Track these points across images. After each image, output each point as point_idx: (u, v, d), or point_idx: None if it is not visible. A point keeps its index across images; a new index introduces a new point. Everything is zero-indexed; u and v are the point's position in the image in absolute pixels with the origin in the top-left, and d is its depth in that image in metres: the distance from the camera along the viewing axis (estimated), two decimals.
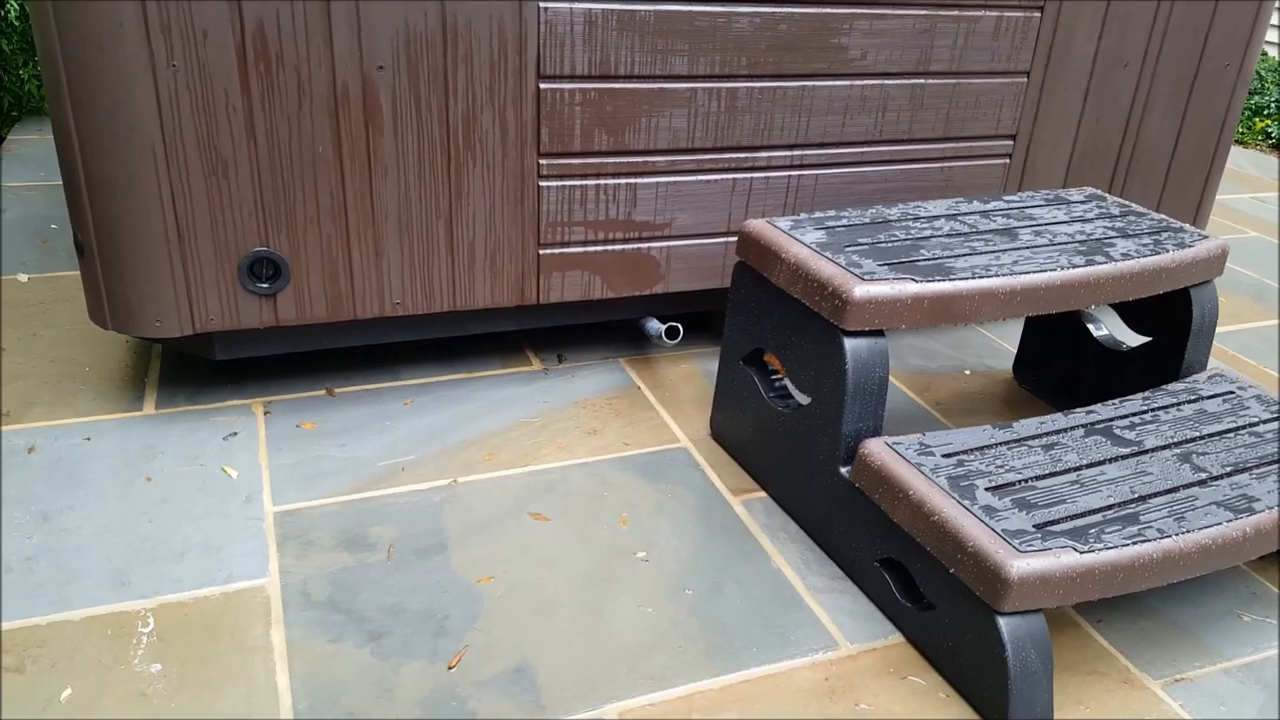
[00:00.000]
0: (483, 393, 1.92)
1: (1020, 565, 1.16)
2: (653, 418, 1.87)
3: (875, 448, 1.37)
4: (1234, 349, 2.32)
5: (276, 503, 1.56)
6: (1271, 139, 4.57)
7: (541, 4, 1.63)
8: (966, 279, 1.43)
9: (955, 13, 1.90)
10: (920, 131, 2.00)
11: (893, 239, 1.58)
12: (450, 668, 1.25)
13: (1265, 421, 1.51)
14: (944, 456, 1.36)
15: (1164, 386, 1.60)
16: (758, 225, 1.61)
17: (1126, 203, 1.83)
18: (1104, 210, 1.78)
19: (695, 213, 1.91)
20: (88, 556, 1.42)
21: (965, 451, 1.38)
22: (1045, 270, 1.47)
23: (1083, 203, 1.82)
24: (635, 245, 1.90)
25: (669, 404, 1.91)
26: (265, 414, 1.80)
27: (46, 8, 1.44)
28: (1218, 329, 2.43)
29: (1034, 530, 1.21)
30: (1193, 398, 1.56)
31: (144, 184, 1.56)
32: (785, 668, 1.29)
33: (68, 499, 1.54)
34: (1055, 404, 1.97)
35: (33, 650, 1.25)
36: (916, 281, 1.40)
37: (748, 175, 1.91)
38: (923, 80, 1.94)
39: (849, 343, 1.40)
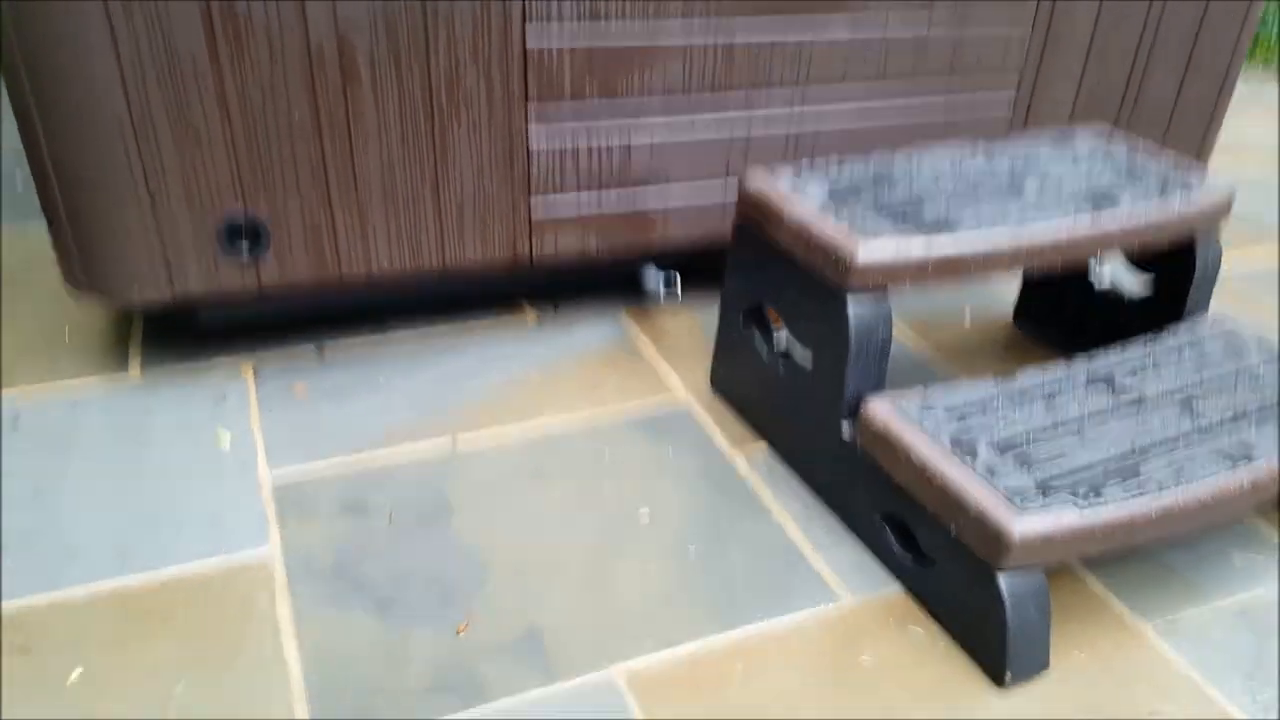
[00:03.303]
0: (477, 347, 1.93)
1: (1022, 525, 1.19)
2: (651, 371, 1.88)
3: (878, 408, 1.40)
4: (1234, 289, 2.34)
5: (274, 469, 1.58)
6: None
7: None
8: (972, 234, 1.43)
9: None
10: (922, 82, 1.97)
11: (896, 191, 1.57)
12: (459, 633, 1.29)
13: (1265, 364, 1.54)
14: (946, 411, 1.39)
15: (1166, 330, 1.62)
16: (759, 179, 1.60)
17: (1135, 142, 1.83)
18: (1112, 151, 1.77)
19: (691, 165, 1.89)
20: (87, 531, 1.44)
21: (967, 407, 1.40)
22: (1051, 222, 1.48)
23: (1090, 141, 1.81)
24: (631, 200, 1.88)
25: (668, 356, 1.93)
26: (255, 375, 1.81)
27: None
28: None
29: (1035, 488, 1.24)
30: (1193, 341, 1.59)
31: (112, 157, 1.53)
32: (789, 621, 1.33)
33: (61, 471, 1.56)
34: (1057, 348, 1.99)
35: (39, 630, 1.28)
36: (922, 239, 1.41)
37: (746, 126, 1.88)
38: (925, 30, 1.91)
39: (852, 303, 1.41)
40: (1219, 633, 1.36)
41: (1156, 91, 2.24)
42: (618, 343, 1.98)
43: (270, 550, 1.42)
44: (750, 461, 1.65)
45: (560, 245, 1.89)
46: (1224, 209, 1.68)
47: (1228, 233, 2.56)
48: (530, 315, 2.05)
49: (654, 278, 1.97)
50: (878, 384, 1.47)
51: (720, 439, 1.70)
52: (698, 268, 2.17)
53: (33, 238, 2.22)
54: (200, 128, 1.55)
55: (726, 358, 1.77)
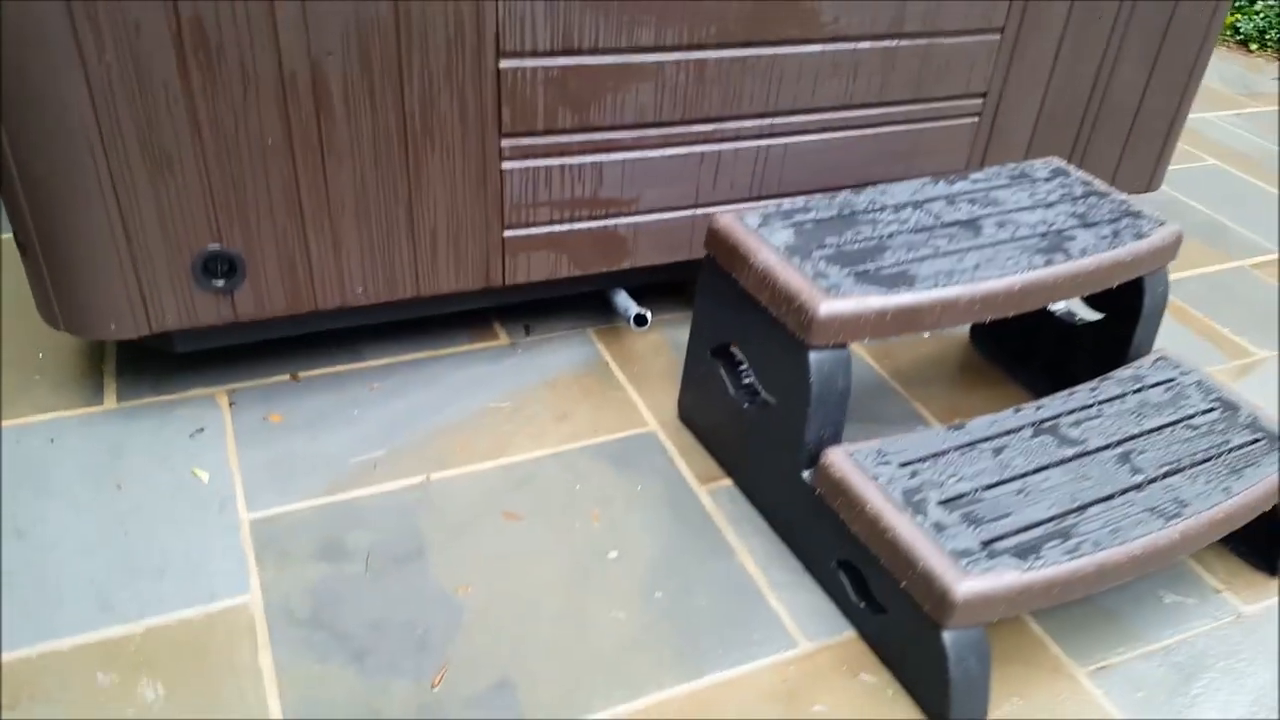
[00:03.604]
0: (450, 373, 1.96)
1: (965, 587, 1.26)
2: (621, 398, 1.92)
3: (836, 458, 1.45)
4: (1182, 299, 2.41)
5: (251, 509, 1.61)
6: (1239, 34, 4.54)
7: None
8: (929, 290, 1.47)
9: None
10: (891, 94, 1.99)
11: (859, 238, 1.61)
12: (434, 686, 1.35)
13: (1203, 413, 1.61)
14: (900, 466, 1.45)
15: (1111, 374, 1.69)
16: (726, 222, 1.63)
17: (1089, 179, 1.87)
18: (1067, 191, 1.81)
19: (662, 187, 1.91)
20: (69, 577, 1.47)
21: (920, 460, 1.46)
22: (1005, 275, 1.52)
23: (1046, 180, 1.85)
24: (602, 222, 1.90)
25: (637, 381, 1.97)
26: (230, 405, 1.83)
27: None
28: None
29: (980, 548, 1.31)
30: (1136, 387, 1.66)
31: (84, 184, 1.52)
32: (748, 670, 1.41)
33: (41, 511, 1.58)
34: (1009, 371, 2.06)
35: (26, 684, 1.32)
36: (880, 295, 1.45)
37: (716, 147, 1.90)
38: (895, 42, 1.92)
39: (814, 356, 1.45)
40: (1147, 676, 1.45)
41: (1121, 94, 2.27)
42: (588, 366, 2.01)
43: (251, 598, 1.46)
44: (715, 497, 1.70)
45: (533, 268, 1.91)
46: (1171, 251, 1.74)
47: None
48: (503, 337, 2.07)
49: (625, 304, 1.99)
50: (836, 434, 1.53)
51: (687, 472, 1.75)
52: (667, 283, 2.20)
53: None
54: (174, 160, 1.55)
55: (694, 389, 1.82)
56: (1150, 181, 2.50)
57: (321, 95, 1.57)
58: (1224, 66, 4.12)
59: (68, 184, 1.51)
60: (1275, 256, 2.67)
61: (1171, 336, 2.24)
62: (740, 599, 1.52)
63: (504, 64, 1.64)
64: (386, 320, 1.98)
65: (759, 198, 2.00)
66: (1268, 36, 4.49)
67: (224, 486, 1.66)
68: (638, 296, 2.12)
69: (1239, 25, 4.54)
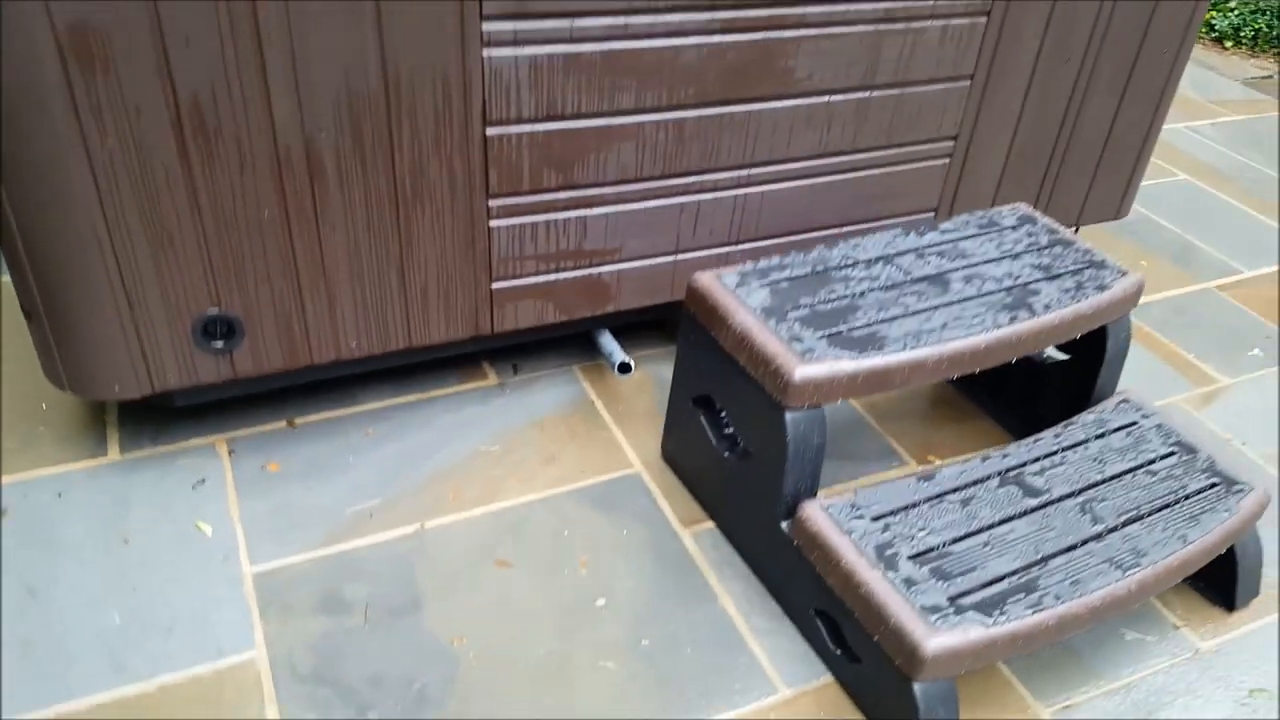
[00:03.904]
0: (441, 415, 2.01)
1: (934, 644, 1.33)
2: (607, 438, 1.98)
3: (812, 512, 1.52)
4: (1149, 324, 2.48)
5: (253, 562, 1.67)
6: (1214, 31, 4.57)
7: (485, 52, 1.62)
8: (898, 353, 1.53)
9: (901, 25, 1.91)
10: (865, 142, 2.04)
11: (832, 296, 1.67)
12: None
13: (1162, 457, 1.68)
14: (872, 520, 1.51)
15: (1075, 419, 1.75)
16: (705, 281, 1.68)
17: (1055, 227, 1.93)
18: (1033, 240, 1.87)
19: (644, 236, 1.96)
20: (82, 636, 1.53)
21: (891, 512, 1.53)
22: (971, 335, 1.59)
23: (1013, 229, 1.91)
24: (586, 271, 1.95)
25: (622, 421, 2.02)
26: (230, 453, 1.88)
27: None
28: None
29: (948, 604, 1.38)
30: (1099, 431, 1.72)
31: (87, 256, 1.56)
32: (731, 718, 1.47)
33: (51, 569, 1.63)
34: (981, 406, 2.12)
35: None
36: (852, 360, 1.51)
37: (695, 198, 1.95)
38: (868, 94, 1.97)
39: (790, 416, 1.51)
40: (1109, 715, 1.53)
41: (1089, 129, 2.33)
42: (575, 405, 2.06)
43: (257, 653, 1.52)
44: (698, 540, 1.77)
45: (520, 316, 1.96)
46: (1133, 299, 1.80)
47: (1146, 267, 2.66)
48: (491, 377, 2.13)
49: (610, 348, 2.05)
50: (813, 481, 1.59)
51: (670, 515, 1.81)
52: (650, 321, 2.25)
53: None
54: (174, 232, 1.59)
55: (676, 432, 1.88)
56: (1119, 209, 2.56)
57: (315, 168, 1.61)
58: (1195, 70, 4.17)
59: (71, 256, 1.55)
60: (1242, 278, 2.74)
61: (1138, 363, 2.31)
62: (723, 646, 1.58)
63: (491, 131, 1.69)
64: (379, 367, 2.03)
65: (738, 242, 2.06)
66: (1242, 34, 4.54)
67: (226, 539, 1.71)
68: (621, 334, 2.18)
69: (1214, 23, 4.57)
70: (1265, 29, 4.51)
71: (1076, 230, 2.67)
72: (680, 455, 1.88)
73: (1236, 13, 4.60)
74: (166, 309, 1.66)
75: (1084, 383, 1.90)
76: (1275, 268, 2.80)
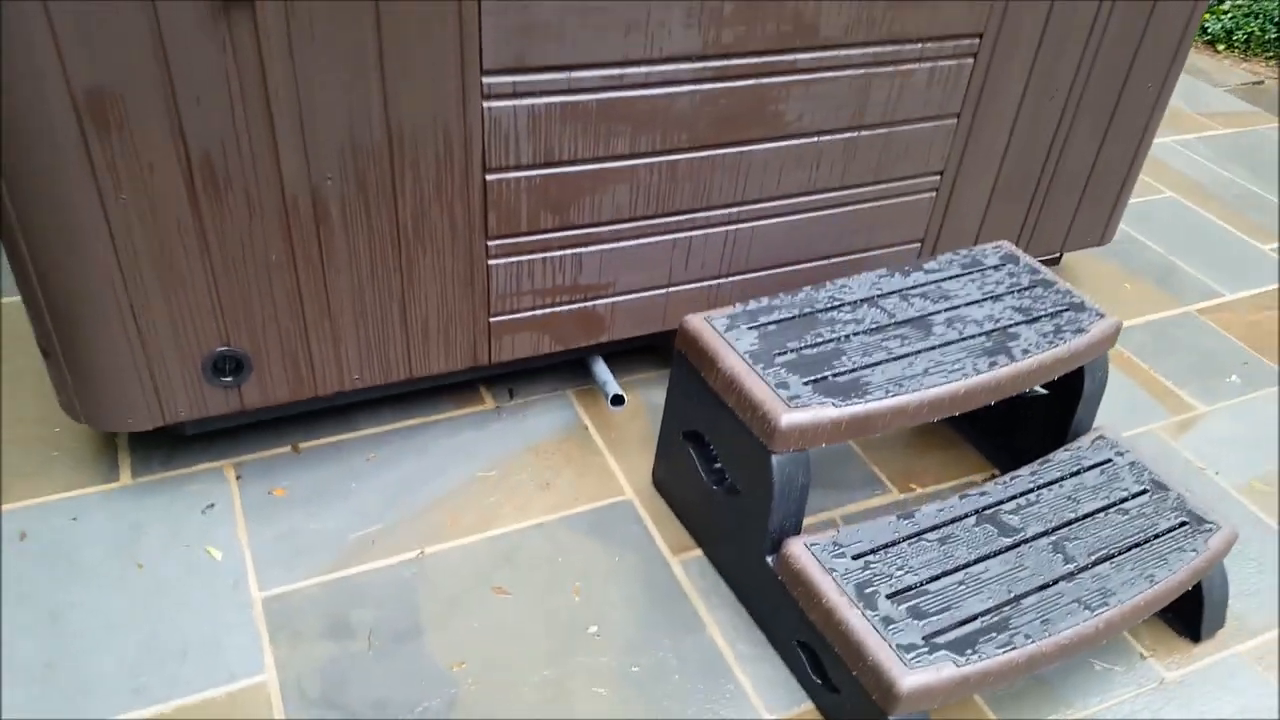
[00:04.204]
0: (439, 440, 2.06)
1: (909, 682, 1.39)
2: (600, 464, 2.04)
3: (796, 550, 1.58)
4: (1129, 348, 2.53)
5: (262, 587, 1.73)
6: (1207, 34, 4.58)
7: (486, 104, 1.66)
8: (880, 399, 1.59)
9: (889, 69, 1.95)
10: (853, 179, 2.09)
11: (818, 340, 1.72)
12: None
13: (1134, 495, 1.74)
14: (853, 559, 1.57)
15: (1051, 456, 1.81)
16: (695, 325, 1.73)
17: (1036, 267, 1.98)
18: (1015, 281, 1.92)
19: (637, 271, 2.01)
20: (100, 660, 1.59)
21: (872, 551, 1.59)
22: (951, 381, 1.64)
23: (995, 269, 1.96)
24: (581, 305, 2.00)
25: (614, 447, 2.08)
26: (237, 478, 1.93)
27: None
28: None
29: (923, 643, 1.44)
30: (1074, 469, 1.78)
31: (102, 299, 1.62)
32: None
33: (69, 594, 1.69)
34: (963, 435, 2.18)
35: None
36: (836, 407, 1.56)
37: (687, 234, 2.00)
38: (856, 133, 2.01)
39: (775, 459, 1.57)
40: None
41: (1074, 161, 2.37)
42: (569, 430, 2.12)
43: (267, 677, 1.59)
44: (686, 568, 1.83)
45: (517, 347, 2.01)
46: (1110, 340, 1.85)
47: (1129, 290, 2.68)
48: (488, 401, 2.18)
49: (603, 377, 2.10)
50: (798, 519, 1.65)
51: (660, 542, 1.87)
52: (642, 346, 2.30)
53: (7, 310, 2.27)
54: (185, 275, 1.64)
55: (666, 462, 1.93)
56: (1103, 236, 2.61)
57: (321, 214, 1.66)
58: (1186, 78, 4.19)
59: (87, 299, 1.60)
60: (1223, 301, 2.79)
61: (1117, 389, 2.37)
62: (710, 673, 1.65)
63: (490, 177, 1.73)
64: (379, 395, 2.08)
65: (728, 275, 2.11)
66: (1235, 37, 4.54)
67: (236, 564, 1.77)
68: (614, 359, 2.23)
69: (1206, 25, 4.57)
70: (1258, 32, 4.50)
71: (1061, 256, 2.72)
72: (670, 484, 1.94)
73: (1230, 15, 4.59)
74: (178, 347, 1.71)
75: (1063, 416, 1.96)
76: (1256, 291, 2.85)
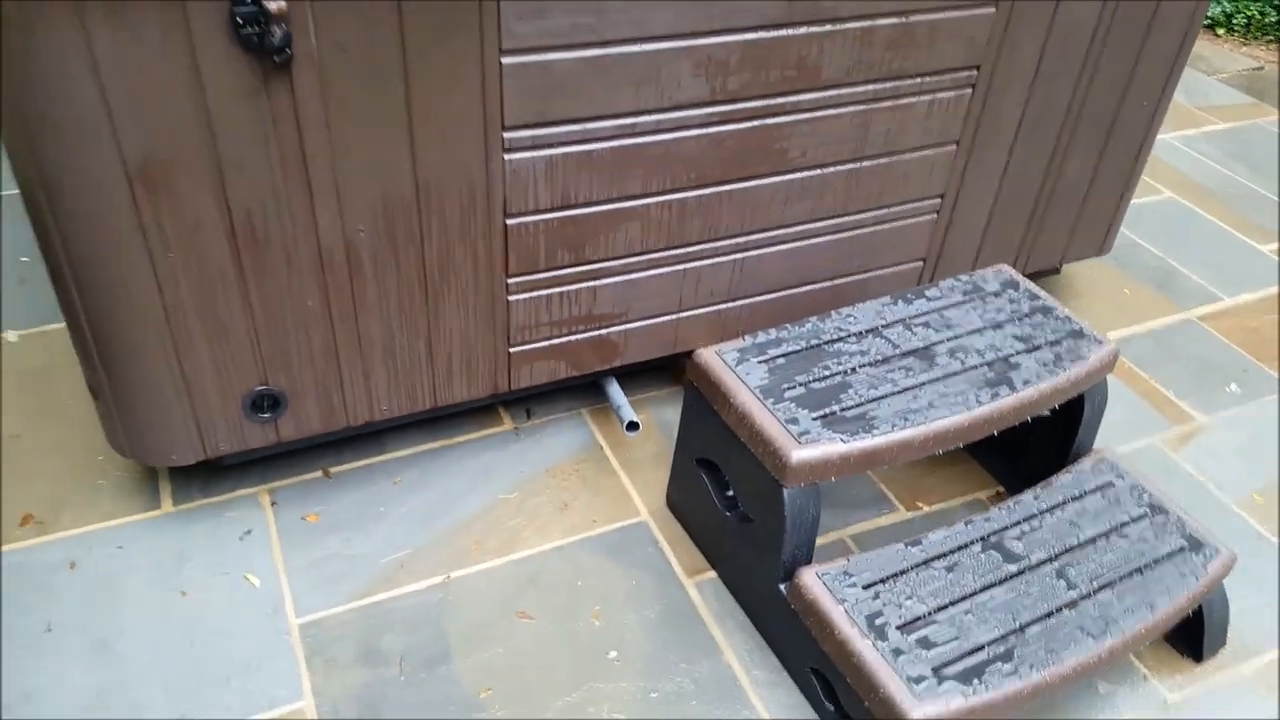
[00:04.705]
0: (462, 461, 2.08)
1: (918, 713, 1.41)
2: (616, 485, 2.05)
3: (808, 580, 1.59)
4: (1129, 357, 2.51)
5: (299, 613, 1.76)
6: (1207, 18, 4.45)
7: (507, 157, 1.67)
8: (887, 434, 1.59)
9: (890, 103, 1.93)
10: (855, 205, 2.08)
11: (826, 373, 1.72)
12: None
13: (1134, 520, 1.74)
14: (864, 588, 1.58)
15: (1053, 480, 1.81)
16: (707, 359, 1.74)
17: (1036, 293, 1.96)
18: (1015, 308, 1.92)
19: (649, 300, 2.01)
20: (149, 687, 1.63)
21: (881, 580, 1.60)
22: (955, 414, 1.64)
23: (996, 295, 1.95)
24: (596, 333, 2.01)
25: (629, 468, 2.09)
26: (272, 504, 1.96)
27: (40, 197, 1.48)
28: (1115, 333, 2.60)
29: (931, 674, 1.45)
30: (1076, 493, 1.78)
31: (149, 347, 1.65)
32: None
33: (117, 622, 1.73)
34: (970, 452, 2.17)
35: None
36: (844, 443, 1.57)
37: (696, 264, 1.99)
38: (858, 164, 2.00)
39: (787, 492, 1.58)
40: None
41: (1072, 179, 2.34)
42: (585, 450, 2.13)
43: (305, 703, 1.62)
44: (701, 590, 1.84)
45: (535, 374, 2.02)
46: (1109, 367, 1.84)
47: (1130, 298, 2.66)
48: (507, 421, 2.19)
49: (618, 401, 2.10)
50: (809, 548, 1.66)
51: (676, 565, 1.89)
52: (655, 365, 2.30)
53: (51, 341, 2.29)
54: (227, 323, 1.67)
55: (680, 485, 1.94)
56: (1102, 247, 2.58)
57: (354, 264, 1.68)
58: (1192, 77, 4.11)
59: (135, 346, 1.64)
60: (1223, 306, 2.76)
61: (1117, 400, 2.35)
62: (726, 698, 1.67)
63: (510, 221, 1.74)
64: (404, 421, 2.10)
65: (735, 299, 2.10)
66: (1234, 21, 4.43)
67: (273, 591, 1.80)
68: (627, 378, 2.23)
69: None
70: (1259, 16, 4.38)
71: (1060, 267, 2.69)
72: (684, 507, 1.95)
73: None
74: (219, 388, 1.74)
75: (1065, 435, 1.95)
76: (1256, 295, 2.81)
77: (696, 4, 1.64)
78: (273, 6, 1.37)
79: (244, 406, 1.78)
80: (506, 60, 1.57)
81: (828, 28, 1.78)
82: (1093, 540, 1.70)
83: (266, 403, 1.79)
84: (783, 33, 1.75)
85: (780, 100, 1.82)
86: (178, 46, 1.38)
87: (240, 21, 1.38)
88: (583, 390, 2.28)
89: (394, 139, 1.58)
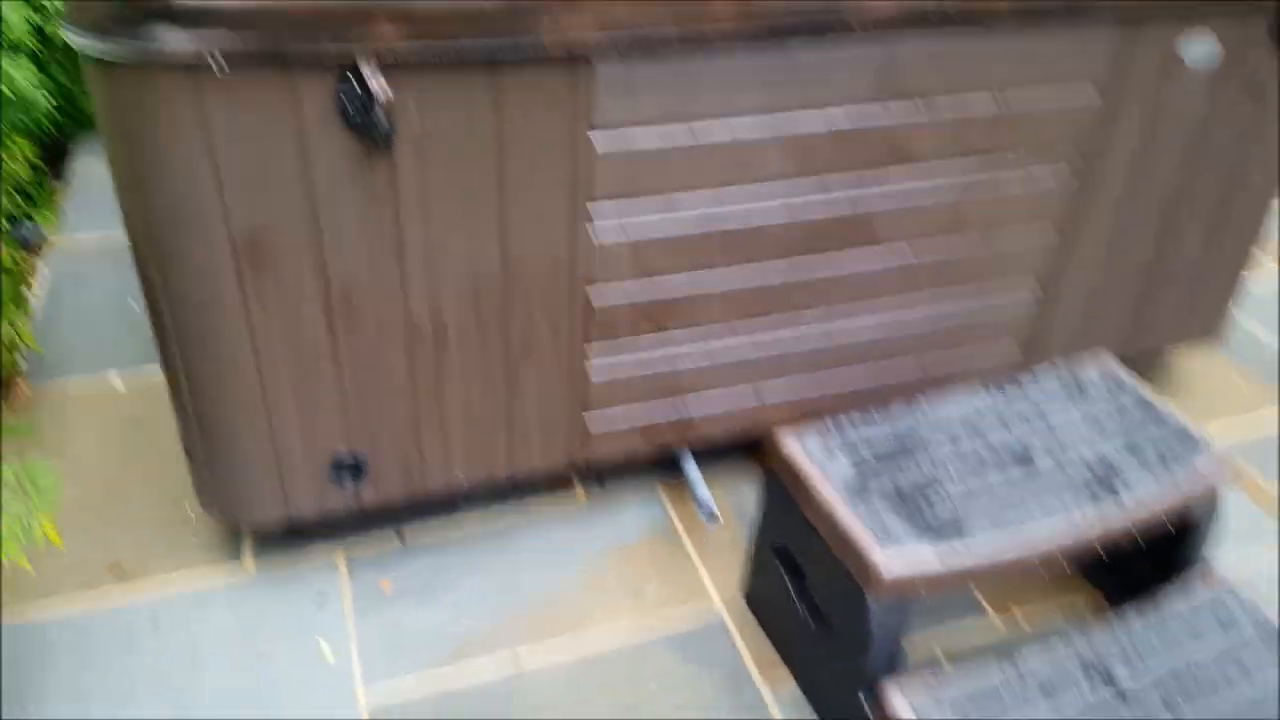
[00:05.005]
0: (534, 532, 2.03)
1: None
2: (689, 572, 1.96)
3: (894, 699, 1.47)
4: (1246, 460, 2.30)
5: (368, 688, 1.71)
6: None
7: (593, 233, 1.64)
8: (983, 545, 1.48)
9: (985, 177, 1.84)
10: (947, 285, 1.97)
11: (913, 470, 1.61)
12: None
13: (1248, 645, 1.57)
14: (953, 706, 1.46)
15: (1159, 599, 1.65)
16: (789, 447, 1.66)
17: (1139, 390, 1.82)
18: (1117, 405, 1.78)
19: (728, 375, 1.94)
20: None
21: (971, 700, 1.47)
22: (1055, 535, 1.51)
23: (1095, 388, 1.81)
24: (673, 409, 1.94)
25: (704, 552, 2.01)
26: (347, 567, 1.94)
27: (153, 273, 1.51)
28: (1224, 427, 2.41)
29: None
30: (1187, 615, 1.61)
31: (244, 417, 1.66)
32: None
33: (198, 684, 1.71)
34: None
35: None
36: (937, 559, 1.46)
37: (778, 340, 1.91)
38: (950, 238, 1.90)
39: (872, 604, 1.47)
40: None
41: (1179, 263, 2.19)
42: (657, 529, 2.06)
43: None
44: (778, 696, 1.73)
45: (610, 447, 1.97)
46: (1222, 479, 1.69)
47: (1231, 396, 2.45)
48: (580, 493, 2.14)
49: (696, 482, 2.03)
50: (895, 660, 1.55)
51: (752, 667, 1.78)
52: (733, 445, 2.21)
53: (152, 388, 2.32)
54: (317, 390, 1.67)
55: (758, 578, 1.85)
56: (1213, 331, 2.40)
57: (440, 336, 1.67)
58: None
59: (231, 414, 1.65)
60: None
61: (1231, 507, 2.15)
62: None
63: (592, 292, 1.71)
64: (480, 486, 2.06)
65: (819, 378, 2.00)
66: None
67: (345, 660, 1.76)
68: (703, 455, 2.14)
69: None
70: None
71: (1165, 354, 2.52)
72: (762, 603, 1.85)
73: None
74: (306, 454, 1.73)
75: (1172, 547, 1.79)
76: None
77: (786, 83, 1.60)
78: (378, 91, 1.37)
79: (328, 471, 1.76)
80: (596, 135, 1.55)
81: (922, 111, 1.70)
82: (1204, 667, 1.54)
83: (349, 467, 1.77)
84: (875, 108, 1.68)
85: (871, 175, 1.75)
86: (288, 125, 1.40)
87: (347, 102, 1.38)
88: (657, 465, 2.21)
89: (485, 216, 1.57)
